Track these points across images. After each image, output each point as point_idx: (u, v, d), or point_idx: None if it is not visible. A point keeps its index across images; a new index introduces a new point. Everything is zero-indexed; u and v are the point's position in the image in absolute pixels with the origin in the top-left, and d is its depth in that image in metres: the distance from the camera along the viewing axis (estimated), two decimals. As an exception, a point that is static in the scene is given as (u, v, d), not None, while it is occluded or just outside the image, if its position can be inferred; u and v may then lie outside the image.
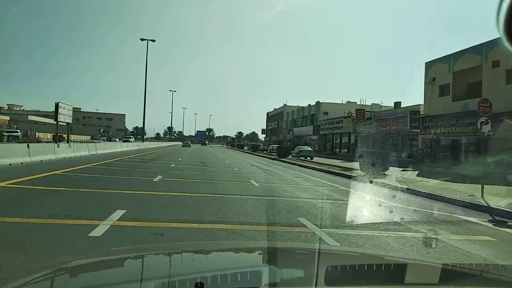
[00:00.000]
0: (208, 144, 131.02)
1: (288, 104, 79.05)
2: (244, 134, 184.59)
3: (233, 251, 2.14)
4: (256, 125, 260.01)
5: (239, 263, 1.79)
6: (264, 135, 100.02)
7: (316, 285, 1.22)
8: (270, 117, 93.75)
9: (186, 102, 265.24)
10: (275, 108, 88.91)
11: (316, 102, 56.40)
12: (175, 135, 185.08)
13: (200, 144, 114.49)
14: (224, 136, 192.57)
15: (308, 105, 60.33)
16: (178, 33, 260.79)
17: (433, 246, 5.47)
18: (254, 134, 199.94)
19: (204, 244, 3.38)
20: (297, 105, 71.97)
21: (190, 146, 71.67)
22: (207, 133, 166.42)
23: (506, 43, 1.21)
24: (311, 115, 58.81)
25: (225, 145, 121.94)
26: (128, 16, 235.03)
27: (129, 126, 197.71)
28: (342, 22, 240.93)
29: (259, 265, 1.71)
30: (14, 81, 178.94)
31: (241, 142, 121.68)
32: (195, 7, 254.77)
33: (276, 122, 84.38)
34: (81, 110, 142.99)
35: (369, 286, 1.41)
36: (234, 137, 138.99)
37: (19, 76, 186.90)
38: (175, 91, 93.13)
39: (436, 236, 6.03)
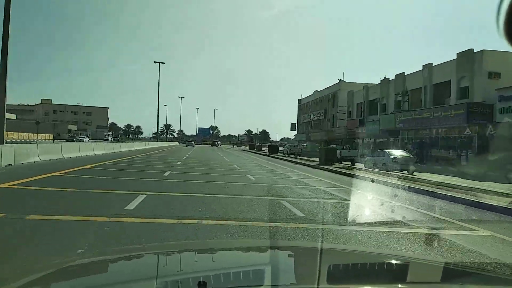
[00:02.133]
0: (220, 144, 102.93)
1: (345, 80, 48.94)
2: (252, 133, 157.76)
3: (235, 250, 2.11)
4: (263, 123, 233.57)
5: (241, 262, 1.78)
6: (295, 132, 70.00)
7: (318, 284, 1.21)
8: (306, 105, 63.61)
9: (186, 101, 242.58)
10: (316, 91, 58.72)
11: (468, 51, 25.62)
12: (173, 134, 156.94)
13: (209, 145, 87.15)
14: (229, 135, 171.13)
15: (427, 65, 29.82)
16: (178, 31, 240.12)
17: None
18: (264, 133, 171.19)
19: (206, 243, 3.41)
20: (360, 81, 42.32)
21: (193, 146, 66.43)
22: (211, 132, 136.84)
23: (507, 44, 1.20)
24: (433, 85, 28.46)
25: (235, 146, 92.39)
26: (129, 15, 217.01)
27: (122, 123, 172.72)
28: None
29: (261, 264, 1.68)
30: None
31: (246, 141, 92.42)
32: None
33: (322, 112, 54.16)
34: (52, 103, 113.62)
35: (371, 285, 1.38)
36: (247, 134, 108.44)
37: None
38: (163, 63, 62.55)
39: None
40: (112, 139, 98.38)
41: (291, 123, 70.12)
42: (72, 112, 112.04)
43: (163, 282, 1.33)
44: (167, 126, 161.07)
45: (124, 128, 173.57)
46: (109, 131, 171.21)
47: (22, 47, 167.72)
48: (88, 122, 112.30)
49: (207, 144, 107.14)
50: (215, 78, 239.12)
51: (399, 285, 1.41)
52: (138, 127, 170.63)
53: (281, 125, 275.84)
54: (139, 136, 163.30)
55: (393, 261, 1.83)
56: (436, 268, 1.69)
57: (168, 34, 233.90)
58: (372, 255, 2.21)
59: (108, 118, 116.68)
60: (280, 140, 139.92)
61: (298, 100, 68.82)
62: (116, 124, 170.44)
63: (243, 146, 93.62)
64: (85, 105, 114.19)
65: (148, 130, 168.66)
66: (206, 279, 1.19)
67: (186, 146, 67.37)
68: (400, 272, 1.62)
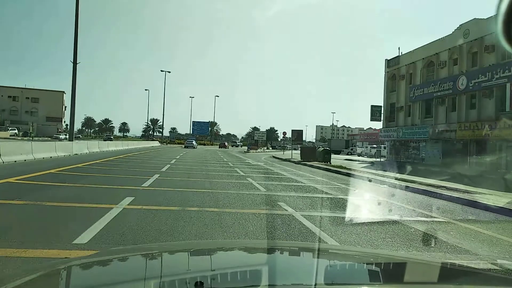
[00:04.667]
0: (240, 145, 75.13)
1: None
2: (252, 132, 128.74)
3: (233, 250, 2.10)
4: (262, 122, 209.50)
5: (239, 262, 1.77)
6: (382, 123, 36.47)
7: (315, 284, 1.21)
8: (423, 64, 29.68)
9: (180, 101, 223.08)
10: (471, 22, 24.62)
11: None
12: (160, 131, 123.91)
13: (211, 147, 64.92)
14: (228, 134, 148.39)
15: None
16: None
17: None
18: (272, 131, 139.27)
19: (204, 244, 3.30)
20: None
21: (194, 147, 52.01)
22: (209, 129, 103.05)
23: (505, 44, 1.21)
24: None
25: (252, 151, 58.70)
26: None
27: (98, 117, 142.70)
28: None
29: (258, 264, 1.65)
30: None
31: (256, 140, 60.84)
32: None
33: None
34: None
35: (368, 285, 1.39)
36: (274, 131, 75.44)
37: None
38: None
39: None
40: (66, 136, 66.12)
41: (372, 107, 36.04)
42: (10, 97, 77.41)
43: (160, 282, 1.31)
44: (154, 121, 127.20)
45: (101, 124, 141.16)
46: (87, 127, 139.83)
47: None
48: (33, 111, 77.83)
49: (206, 145, 74.01)
50: (212, 76, 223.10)
51: (397, 285, 1.40)
52: (124, 123, 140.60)
53: (283, 123, 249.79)
54: (125, 134, 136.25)
55: (391, 261, 1.82)
56: (433, 268, 1.68)
57: (167, 32, 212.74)
58: (369, 255, 2.18)
59: (65, 106, 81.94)
60: (280, 140, 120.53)
61: (388, 61, 34.97)
62: (94, 119, 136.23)
63: (260, 149, 60.58)
64: (30, 87, 79.50)
65: (134, 128, 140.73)
66: (203, 279, 1.18)
67: (185, 147, 51.80)
68: (397, 272, 1.60)
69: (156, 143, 56.58)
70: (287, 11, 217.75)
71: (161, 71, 64.77)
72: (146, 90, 75.03)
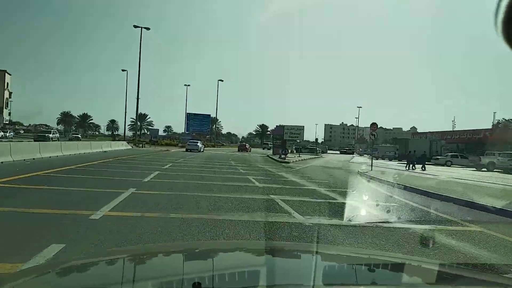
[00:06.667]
0: (271, 147, 54.87)
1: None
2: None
3: (231, 251, 2.09)
4: (267, 121, 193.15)
5: (237, 263, 1.76)
6: None
7: (313, 285, 1.21)
8: None
9: (181, 100, 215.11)
10: None
11: None
12: (150, 127, 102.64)
13: (241, 151, 50.14)
14: (228, 133, 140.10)
15: None
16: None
17: None
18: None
19: (202, 244, 3.37)
20: None
21: (200, 151, 39.17)
22: (210, 126, 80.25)
23: (505, 44, 1.21)
24: None
25: (286, 157, 35.46)
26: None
27: (76, 111, 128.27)
28: None
29: (256, 265, 1.66)
30: None
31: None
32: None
33: None
34: None
35: (366, 286, 1.39)
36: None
37: None
38: None
39: None
40: (7, 134, 45.71)
41: None
42: None
43: (158, 283, 1.31)
44: (142, 117, 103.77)
45: (78, 118, 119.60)
46: (64, 124, 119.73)
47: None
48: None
49: (205, 146, 51.27)
50: (210, 75, 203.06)
51: (395, 287, 1.40)
52: (113, 121, 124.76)
53: (282, 123, 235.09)
54: (114, 132, 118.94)
55: (389, 263, 1.81)
56: (431, 269, 1.67)
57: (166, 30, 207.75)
58: (368, 257, 2.16)
59: (10, 93, 58.48)
60: (290, 141, 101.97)
61: None
62: (72, 115, 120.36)
63: (294, 155, 38.14)
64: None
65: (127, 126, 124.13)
66: (200, 280, 1.19)
67: (187, 150, 38.17)
68: (396, 273, 1.60)
69: (121, 146, 33.23)
70: (288, 10, 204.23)
71: (134, 26, 41.25)
72: (123, 70, 51.64)
